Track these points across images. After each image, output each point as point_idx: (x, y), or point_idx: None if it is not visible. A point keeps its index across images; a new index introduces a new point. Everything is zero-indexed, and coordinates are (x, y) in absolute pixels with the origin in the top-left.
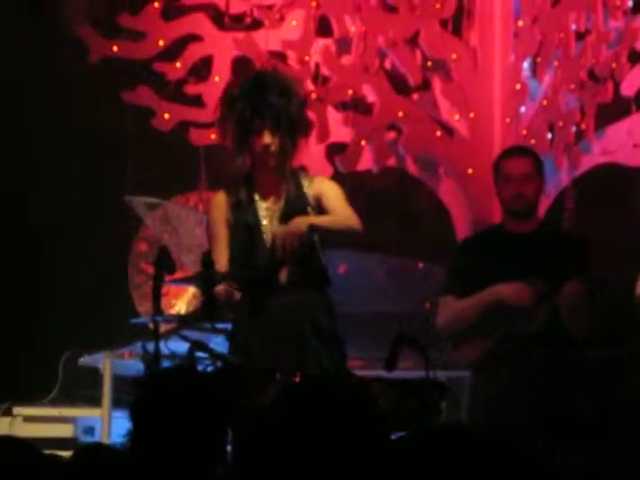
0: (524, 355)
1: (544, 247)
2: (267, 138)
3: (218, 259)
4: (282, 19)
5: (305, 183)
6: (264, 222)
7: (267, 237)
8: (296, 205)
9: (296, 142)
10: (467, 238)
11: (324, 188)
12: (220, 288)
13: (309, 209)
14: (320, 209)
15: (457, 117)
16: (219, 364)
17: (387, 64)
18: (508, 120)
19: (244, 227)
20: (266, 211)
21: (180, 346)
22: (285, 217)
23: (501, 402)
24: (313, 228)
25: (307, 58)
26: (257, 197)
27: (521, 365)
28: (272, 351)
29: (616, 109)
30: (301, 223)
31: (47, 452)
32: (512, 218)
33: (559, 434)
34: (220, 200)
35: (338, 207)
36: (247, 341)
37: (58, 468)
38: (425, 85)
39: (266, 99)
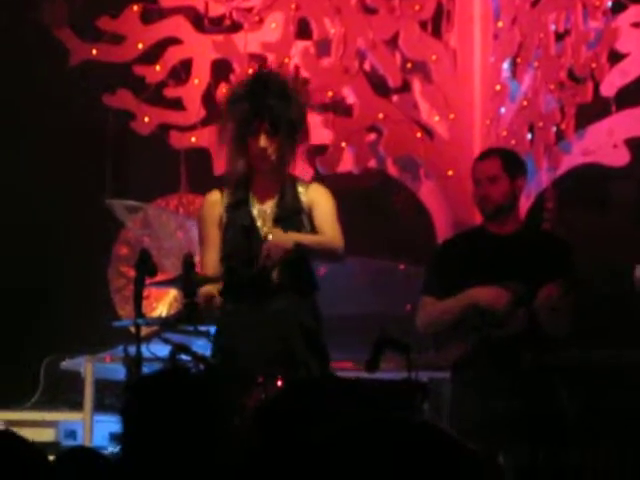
0: (504, 358)
1: (525, 249)
2: (264, 141)
3: (207, 259)
4: (261, 21)
5: (301, 189)
6: (257, 224)
7: (262, 239)
8: (290, 210)
9: (294, 146)
10: (447, 239)
11: (318, 199)
12: (201, 290)
13: (302, 215)
14: (311, 217)
15: (437, 118)
16: (201, 367)
17: (367, 66)
18: (488, 121)
19: (239, 228)
20: (260, 213)
21: (162, 349)
22: (278, 220)
23: (479, 404)
24: (299, 246)
25: (287, 60)
26: (252, 199)
27: (501, 368)
28: (259, 355)
29: (596, 109)
30: (289, 239)
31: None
32: (486, 220)
33: (535, 436)
34: (214, 200)
35: (326, 224)
36: (232, 344)
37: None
38: (405, 87)
39: (266, 101)
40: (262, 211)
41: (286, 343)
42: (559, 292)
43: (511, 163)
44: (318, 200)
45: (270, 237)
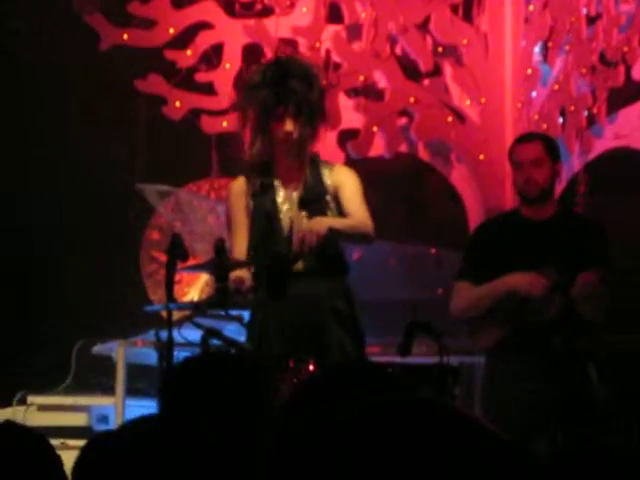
0: (537, 343)
1: (560, 235)
2: (289, 125)
3: (236, 245)
4: (292, 6)
5: (325, 171)
6: (283, 209)
7: (285, 224)
8: (315, 193)
9: (316, 129)
10: (483, 223)
11: (343, 179)
12: (233, 274)
13: (327, 197)
14: (337, 199)
15: (468, 102)
16: (233, 351)
17: (398, 50)
18: (519, 105)
19: (263, 214)
20: (285, 198)
21: (194, 334)
22: (303, 204)
23: (513, 388)
24: (332, 231)
25: (318, 45)
26: (277, 184)
27: (535, 352)
28: (292, 339)
29: (628, 93)
30: (323, 224)
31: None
32: (526, 204)
33: (573, 421)
34: (240, 186)
35: (354, 206)
36: (266, 330)
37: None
38: (436, 71)
39: (289, 85)
40: (288, 196)
41: (319, 328)
42: (597, 280)
43: (552, 147)
44: (344, 181)
45: (303, 222)
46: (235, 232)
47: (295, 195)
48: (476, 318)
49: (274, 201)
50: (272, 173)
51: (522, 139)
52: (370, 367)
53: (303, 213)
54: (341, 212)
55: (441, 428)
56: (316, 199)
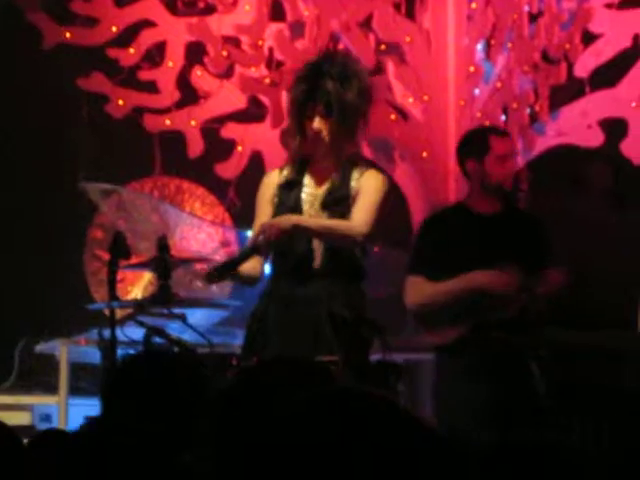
0: (498, 340)
1: (510, 230)
2: (317, 123)
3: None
4: (235, 4)
5: (356, 175)
6: (305, 207)
7: None
8: (337, 195)
9: (351, 129)
10: (432, 215)
11: (366, 185)
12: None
13: (349, 201)
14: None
15: (411, 100)
16: (176, 349)
17: (341, 48)
18: (462, 103)
19: (286, 209)
20: (309, 196)
21: (136, 332)
22: (326, 205)
23: (466, 387)
24: (297, 228)
25: (260, 43)
26: (307, 181)
27: (491, 350)
28: (290, 338)
29: (570, 90)
30: (290, 221)
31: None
32: (487, 197)
33: (517, 418)
34: (271, 179)
35: (357, 209)
36: (265, 323)
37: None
38: (379, 68)
39: (322, 84)
40: (314, 194)
41: (313, 329)
42: (563, 278)
43: None
44: (366, 186)
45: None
46: (256, 222)
47: (319, 194)
48: (431, 315)
49: (298, 198)
50: (304, 170)
51: (500, 133)
52: (306, 363)
53: (324, 214)
54: None
55: (359, 417)
56: (338, 201)
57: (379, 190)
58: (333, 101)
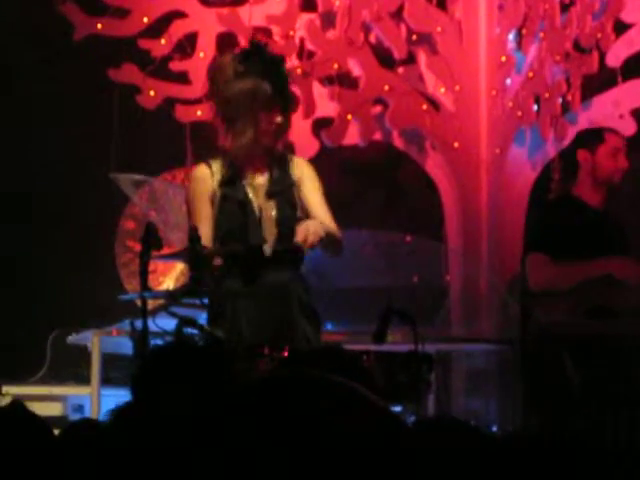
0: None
1: (612, 224)
2: (279, 116)
3: (202, 233)
4: None
5: (290, 163)
6: (253, 198)
7: (257, 213)
8: (281, 183)
9: (290, 119)
10: (558, 198)
11: (305, 175)
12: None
13: (294, 190)
14: (299, 193)
15: (443, 90)
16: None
17: (372, 38)
18: (494, 93)
19: (235, 203)
20: (253, 187)
21: (168, 323)
22: (271, 195)
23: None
24: (327, 235)
25: (292, 33)
26: (247, 173)
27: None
28: (263, 328)
29: (602, 80)
30: (320, 229)
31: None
32: (600, 191)
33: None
34: (204, 174)
35: (322, 210)
36: (239, 319)
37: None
38: (410, 59)
39: (279, 75)
40: (256, 185)
41: (287, 315)
42: None
43: None
44: (306, 178)
45: (272, 212)
46: (199, 219)
47: (262, 185)
48: (550, 295)
49: (244, 190)
50: (235, 162)
51: (609, 129)
52: (337, 352)
53: (271, 203)
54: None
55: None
56: (284, 189)
57: (318, 182)
58: (289, 96)
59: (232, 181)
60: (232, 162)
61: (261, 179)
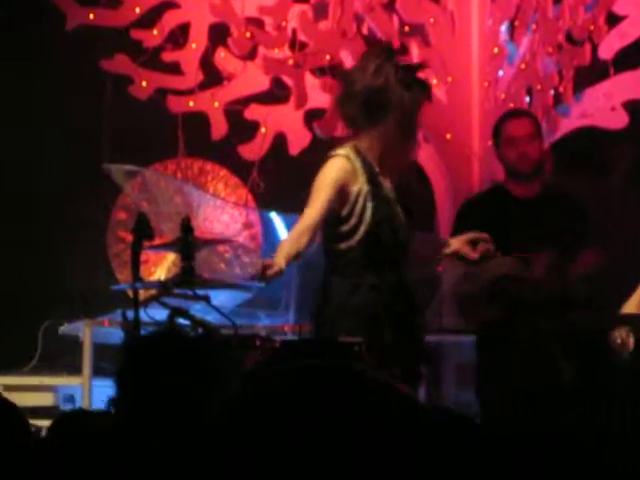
0: (532, 322)
1: (551, 213)
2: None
3: (313, 217)
4: None
5: None
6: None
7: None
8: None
9: None
10: (469, 201)
11: None
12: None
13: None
14: None
15: (435, 82)
16: (200, 330)
17: (364, 29)
18: (486, 84)
19: (384, 200)
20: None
21: (160, 313)
22: (397, 200)
23: (504, 368)
24: None
25: (284, 24)
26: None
27: (527, 332)
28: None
29: (594, 72)
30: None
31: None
32: (517, 181)
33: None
34: (350, 168)
35: None
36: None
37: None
38: (403, 50)
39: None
40: (389, 189)
41: None
42: (598, 260)
43: (539, 124)
44: None
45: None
46: (320, 203)
47: (389, 189)
48: (468, 297)
49: (388, 189)
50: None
51: (512, 115)
52: (329, 343)
53: (398, 207)
54: None
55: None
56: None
57: None
58: None
59: (376, 179)
60: (366, 160)
61: (388, 184)
